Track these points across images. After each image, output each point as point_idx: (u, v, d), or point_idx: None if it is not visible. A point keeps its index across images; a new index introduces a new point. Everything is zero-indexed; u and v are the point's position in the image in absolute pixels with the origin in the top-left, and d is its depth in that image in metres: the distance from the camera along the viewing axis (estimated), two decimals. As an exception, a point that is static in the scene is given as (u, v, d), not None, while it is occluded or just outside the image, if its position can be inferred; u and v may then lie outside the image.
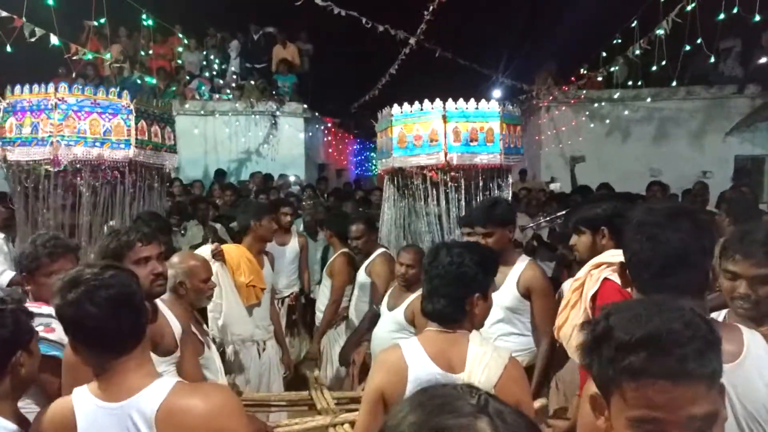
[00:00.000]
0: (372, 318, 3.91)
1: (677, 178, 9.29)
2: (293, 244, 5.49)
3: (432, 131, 4.38)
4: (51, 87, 4.16)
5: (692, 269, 1.54)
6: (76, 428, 1.46)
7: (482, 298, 1.97)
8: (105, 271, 1.52)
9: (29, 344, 1.72)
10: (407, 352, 1.88)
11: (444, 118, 4.35)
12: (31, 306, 2.32)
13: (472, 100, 4.47)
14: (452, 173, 4.41)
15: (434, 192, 4.44)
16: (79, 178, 4.14)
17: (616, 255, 2.23)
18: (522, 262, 3.32)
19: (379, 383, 1.88)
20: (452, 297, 1.94)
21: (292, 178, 10.88)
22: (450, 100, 4.42)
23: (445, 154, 4.35)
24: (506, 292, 3.27)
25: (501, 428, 0.78)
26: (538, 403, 2.91)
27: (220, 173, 10.39)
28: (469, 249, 2.05)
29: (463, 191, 4.44)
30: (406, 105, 4.52)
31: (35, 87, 4.17)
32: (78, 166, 4.13)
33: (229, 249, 4.04)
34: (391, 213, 4.80)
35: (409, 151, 4.47)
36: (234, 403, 1.53)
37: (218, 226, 6.26)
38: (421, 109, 4.45)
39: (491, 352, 1.88)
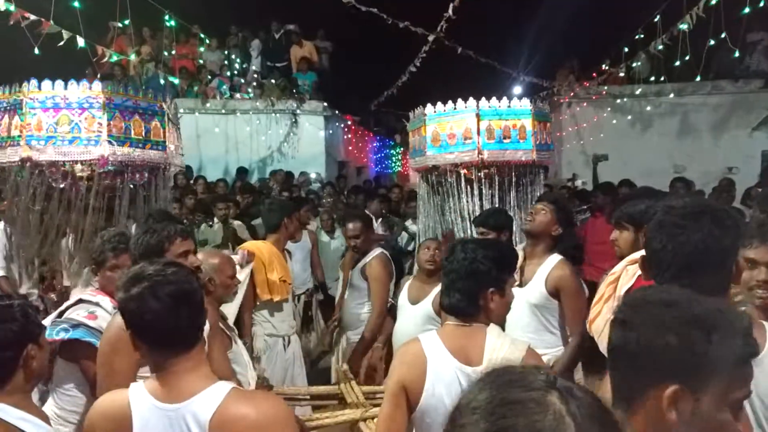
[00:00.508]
0: (378, 325, 3.97)
1: (702, 175, 9.17)
2: (305, 241, 5.55)
3: (466, 129, 4.52)
4: (96, 84, 4.00)
5: (713, 269, 1.54)
6: (131, 426, 1.48)
7: (497, 293, 1.99)
8: (167, 267, 1.55)
9: (39, 337, 1.77)
10: (426, 345, 1.93)
11: (478, 116, 4.50)
12: (89, 294, 2.41)
13: (505, 98, 4.61)
14: (486, 170, 4.53)
15: (468, 189, 4.56)
16: (119, 180, 4.04)
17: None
18: (552, 261, 3.30)
19: (399, 376, 1.93)
20: (466, 291, 1.98)
21: (313, 176, 10.95)
22: (483, 98, 4.56)
23: (479, 151, 4.47)
24: (533, 289, 3.26)
25: (571, 402, 0.81)
26: None
27: (242, 171, 10.50)
28: (484, 245, 2.08)
29: (496, 187, 4.56)
30: (439, 104, 4.66)
31: (71, 84, 3.95)
32: (118, 167, 3.99)
33: (260, 246, 4.11)
34: (426, 210, 4.91)
35: (444, 149, 4.61)
36: (285, 412, 1.54)
37: (237, 223, 6.34)
38: (455, 108, 4.61)
39: (508, 344, 1.92)
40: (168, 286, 1.50)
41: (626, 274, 2.32)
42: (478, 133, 4.49)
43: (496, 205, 4.46)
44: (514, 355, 1.87)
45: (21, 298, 1.85)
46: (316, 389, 3.51)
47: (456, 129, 4.55)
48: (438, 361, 1.89)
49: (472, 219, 4.43)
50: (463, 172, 4.57)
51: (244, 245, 4.30)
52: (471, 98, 4.55)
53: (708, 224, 1.56)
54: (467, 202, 4.57)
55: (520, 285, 3.28)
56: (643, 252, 2.33)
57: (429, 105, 4.69)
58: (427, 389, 1.85)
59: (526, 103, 4.62)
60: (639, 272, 2.26)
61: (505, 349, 1.88)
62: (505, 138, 4.52)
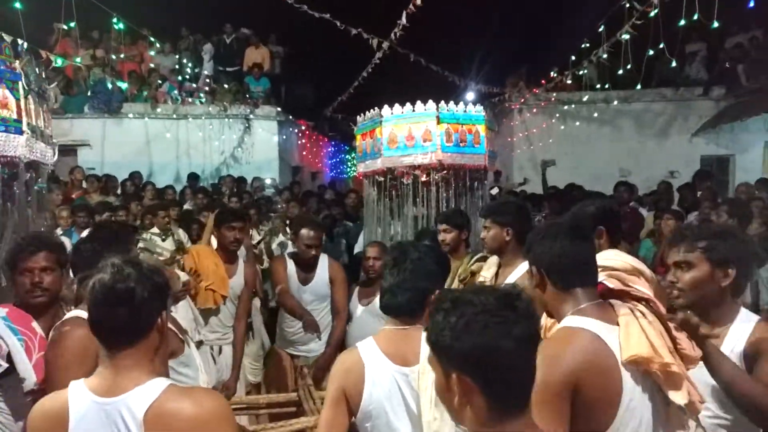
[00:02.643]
0: (343, 331, 3.98)
1: (646, 179, 9.53)
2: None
3: (425, 131, 4.55)
4: None
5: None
6: (68, 421, 1.47)
7: None
8: (124, 265, 1.56)
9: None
10: (364, 352, 1.94)
11: (438, 118, 4.54)
12: None
13: (462, 103, 4.70)
14: (443, 173, 4.60)
15: (423, 192, 4.60)
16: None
17: (607, 258, 2.18)
18: (522, 267, 3.16)
19: (340, 382, 1.94)
20: (417, 291, 1.99)
21: (268, 181, 10.85)
22: (442, 102, 4.62)
23: (438, 154, 4.53)
24: None
25: None
26: None
27: (193, 177, 10.32)
28: (432, 248, 2.14)
29: (452, 191, 4.64)
30: (397, 106, 4.67)
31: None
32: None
33: (199, 250, 4.05)
34: (373, 215, 4.91)
35: (401, 150, 4.61)
36: (224, 409, 1.54)
37: (181, 231, 6.23)
38: (414, 110, 4.62)
39: None
40: (109, 283, 1.53)
41: None
42: (439, 136, 4.55)
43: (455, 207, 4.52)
44: None
45: None
46: (275, 397, 3.49)
47: (415, 131, 4.57)
48: (375, 366, 1.90)
49: (425, 221, 4.52)
50: (418, 174, 4.60)
51: (191, 248, 4.26)
52: (430, 101, 4.61)
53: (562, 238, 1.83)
54: (421, 206, 4.61)
55: None
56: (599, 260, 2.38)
57: (386, 107, 4.69)
58: (366, 395, 1.87)
59: (480, 109, 4.74)
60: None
61: None
62: (461, 142, 4.61)
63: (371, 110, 4.86)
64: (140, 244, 5.24)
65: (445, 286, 3.89)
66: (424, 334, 1.91)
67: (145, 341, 1.57)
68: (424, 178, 4.60)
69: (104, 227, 3.25)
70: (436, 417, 1.80)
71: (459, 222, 3.85)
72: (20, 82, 3.13)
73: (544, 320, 2.01)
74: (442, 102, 4.63)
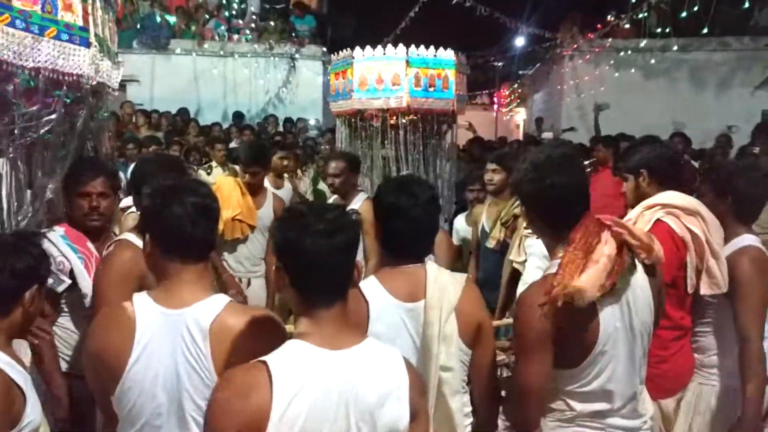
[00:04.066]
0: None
1: (701, 132, 9.13)
2: (287, 189, 5.48)
3: (395, 75, 4.57)
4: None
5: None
6: (135, 328, 1.55)
7: None
8: (195, 182, 1.66)
9: (43, 286, 1.78)
10: (366, 290, 1.86)
11: (407, 62, 4.56)
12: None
13: (432, 47, 4.69)
14: (411, 117, 4.65)
15: (392, 135, 4.66)
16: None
17: (671, 197, 2.32)
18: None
19: None
20: (433, 233, 1.97)
21: (312, 122, 10.86)
22: (413, 46, 4.64)
23: (408, 97, 4.56)
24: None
25: None
26: (503, 322, 3.03)
27: (238, 115, 10.40)
28: (430, 185, 2.08)
29: (420, 134, 4.71)
30: (368, 48, 4.67)
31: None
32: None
33: (223, 183, 4.05)
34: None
35: (371, 93, 4.63)
36: (278, 328, 1.64)
37: (237, 167, 6.32)
38: (384, 53, 4.64)
39: (448, 276, 1.91)
40: (193, 197, 1.58)
41: (642, 219, 2.35)
42: (407, 79, 4.57)
43: (419, 152, 4.65)
44: (455, 286, 1.87)
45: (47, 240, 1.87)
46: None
47: (385, 74, 4.58)
48: (379, 304, 1.84)
49: (393, 165, 4.61)
50: (387, 117, 4.65)
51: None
52: (400, 44, 4.64)
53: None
54: (389, 149, 4.68)
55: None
56: (657, 198, 2.37)
57: (357, 48, 4.69)
58: (370, 333, 1.77)
59: (450, 54, 4.75)
60: (656, 217, 2.30)
61: (446, 281, 1.87)
62: (430, 87, 4.63)
63: (344, 50, 4.87)
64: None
65: (487, 229, 3.92)
66: (430, 267, 1.94)
67: (206, 262, 1.67)
68: (392, 121, 4.65)
69: (160, 158, 3.33)
70: (443, 350, 1.81)
71: (511, 164, 3.80)
72: None
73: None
74: (413, 46, 4.64)
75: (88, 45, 2.29)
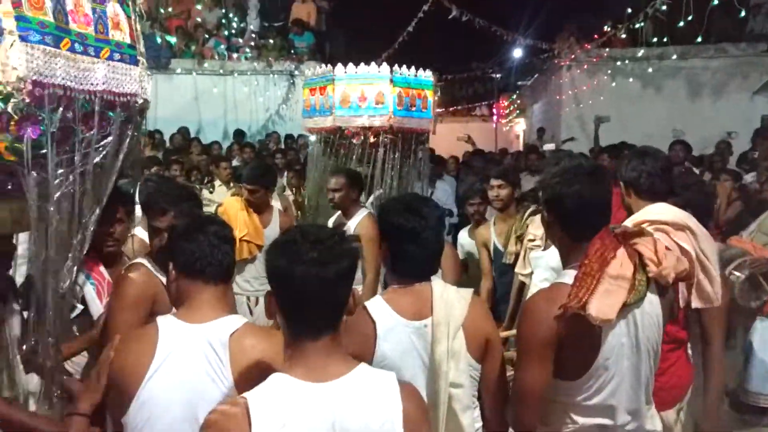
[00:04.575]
0: (375, 288, 3.81)
1: (701, 139, 9.14)
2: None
3: (379, 93, 4.63)
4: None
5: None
6: (157, 340, 1.62)
7: None
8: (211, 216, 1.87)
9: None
10: (373, 310, 1.85)
11: (392, 81, 4.64)
12: None
13: (413, 68, 4.83)
14: (392, 136, 4.72)
15: (373, 152, 4.72)
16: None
17: (659, 212, 2.22)
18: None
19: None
20: (438, 254, 1.96)
21: (312, 138, 10.88)
22: (396, 65, 4.76)
23: (391, 116, 4.64)
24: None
25: None
26: (511, 333, 3.02)
27: (239, 133, 10.45)
28: (436, 205, 2.07)
29: (399, 152, 4.78)
30: (350, 66, 4.73)
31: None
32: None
33: (229, 204, 4.14)
34: (315, 170, 5.06)
35: (353, 111, 4.67)
36: None
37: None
38: (369, 72, 4.71)
39: (454, 292, 1.90)
40: (214, 226, 1.78)
41: None
42: (392, 98, 4.64)
43: (398, 170, 4.71)
44: (460, 303, 1.87)
45: None
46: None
47: (368, 92, 4.63)
48: (386, 324, 1.83)
49: (372, 183, 4.65)
50: (369, 135, 4.70)
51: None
52: (384, 64, 4.76)
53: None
54: (367, 166, 4.72)
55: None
56: (643, 213, 2.32)
57: (339, 65, 4.74)
58: (379, 353, 1.80)
59: (429, 75, 4.87)
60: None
61: (452, 297, 1.87)
62: (411, 106, 4.74)
63: (321, 66, 5.00)
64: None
65: (500, 246, 3.92)
66: (436, 284, 1.94)
67: (226, 283, 1.80)
68: (372, 139, 4.71)
69: (166, 184, 3.37)
70: (452, 367, 1.81)
71: (515, 179, 3.85)
72: None
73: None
74: (396, 65, 4.74)
75: (136, 63, 2.21)
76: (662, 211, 2.26)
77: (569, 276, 1.73)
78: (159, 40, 9.98)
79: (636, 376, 1.75)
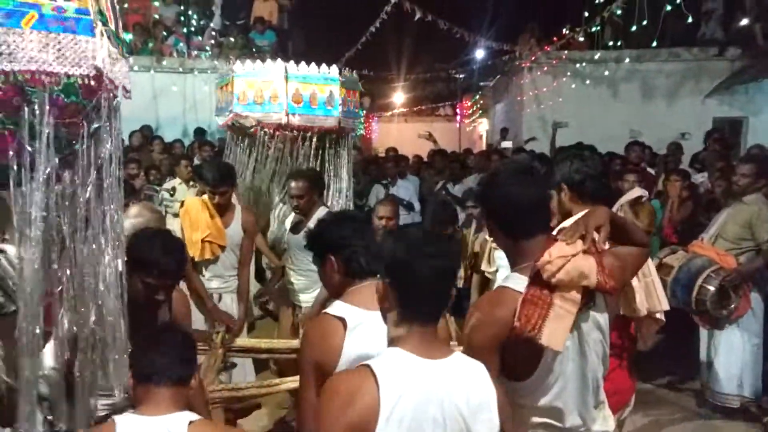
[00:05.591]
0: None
1: (657, 140, 9.39)
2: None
3: (273, 90, 4.56)
4: None
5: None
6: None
7: None
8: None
9: None
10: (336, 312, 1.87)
11: (285, 78, 4.54)
12: None
13: (313, 63, 4.70)
14: (293, 133, 4.63)
15: (279, 150, 4.65)
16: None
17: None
18: None
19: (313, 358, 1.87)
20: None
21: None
22: (292, 62, 4.66)
23: (286, 114, 4.54)
24: None
25: None
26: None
27: (200, 131, 10.27)
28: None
29: (308, 151, 4.67)
30: (248, 63, 4.69)
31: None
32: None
33: (191, 205, 4.04)
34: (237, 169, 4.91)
35: (250, 107, 4.61)
36: None
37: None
38: (264, 68, 4.63)
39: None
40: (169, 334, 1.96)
41: None
42: (286, 95, 4.54)
43: (310, 166, 4.57)
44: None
45: None
46: (276, 342, 3.55)
47: (264, 90, 4.58)
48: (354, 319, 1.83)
49: (283, 181, 4.55)
50: (271, 132, 4.62)
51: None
52: (279, 60, 4.66)
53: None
54: (278, 164, 4.68)
55: None
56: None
57: (238, 62, 4.71)
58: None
59: (334, 71, 4.72)
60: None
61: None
62: (312, 103, 4.61)
63: (229, 64, 4.90)
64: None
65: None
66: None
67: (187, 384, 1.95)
68: (277, 135, 4.63)
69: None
70: None
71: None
72: None
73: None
74: (292, 62, 4.65)
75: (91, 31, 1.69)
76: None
77: (515, 279, 1.74)
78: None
79: (582, 379, 1.77)
